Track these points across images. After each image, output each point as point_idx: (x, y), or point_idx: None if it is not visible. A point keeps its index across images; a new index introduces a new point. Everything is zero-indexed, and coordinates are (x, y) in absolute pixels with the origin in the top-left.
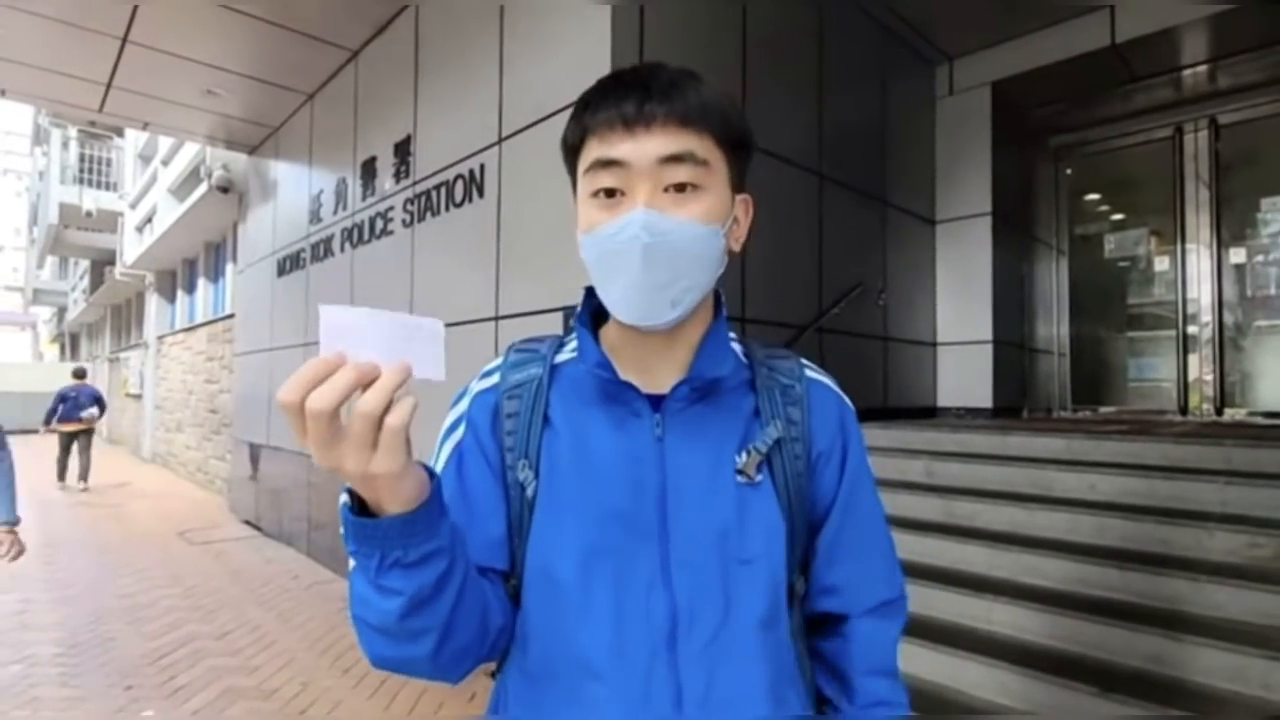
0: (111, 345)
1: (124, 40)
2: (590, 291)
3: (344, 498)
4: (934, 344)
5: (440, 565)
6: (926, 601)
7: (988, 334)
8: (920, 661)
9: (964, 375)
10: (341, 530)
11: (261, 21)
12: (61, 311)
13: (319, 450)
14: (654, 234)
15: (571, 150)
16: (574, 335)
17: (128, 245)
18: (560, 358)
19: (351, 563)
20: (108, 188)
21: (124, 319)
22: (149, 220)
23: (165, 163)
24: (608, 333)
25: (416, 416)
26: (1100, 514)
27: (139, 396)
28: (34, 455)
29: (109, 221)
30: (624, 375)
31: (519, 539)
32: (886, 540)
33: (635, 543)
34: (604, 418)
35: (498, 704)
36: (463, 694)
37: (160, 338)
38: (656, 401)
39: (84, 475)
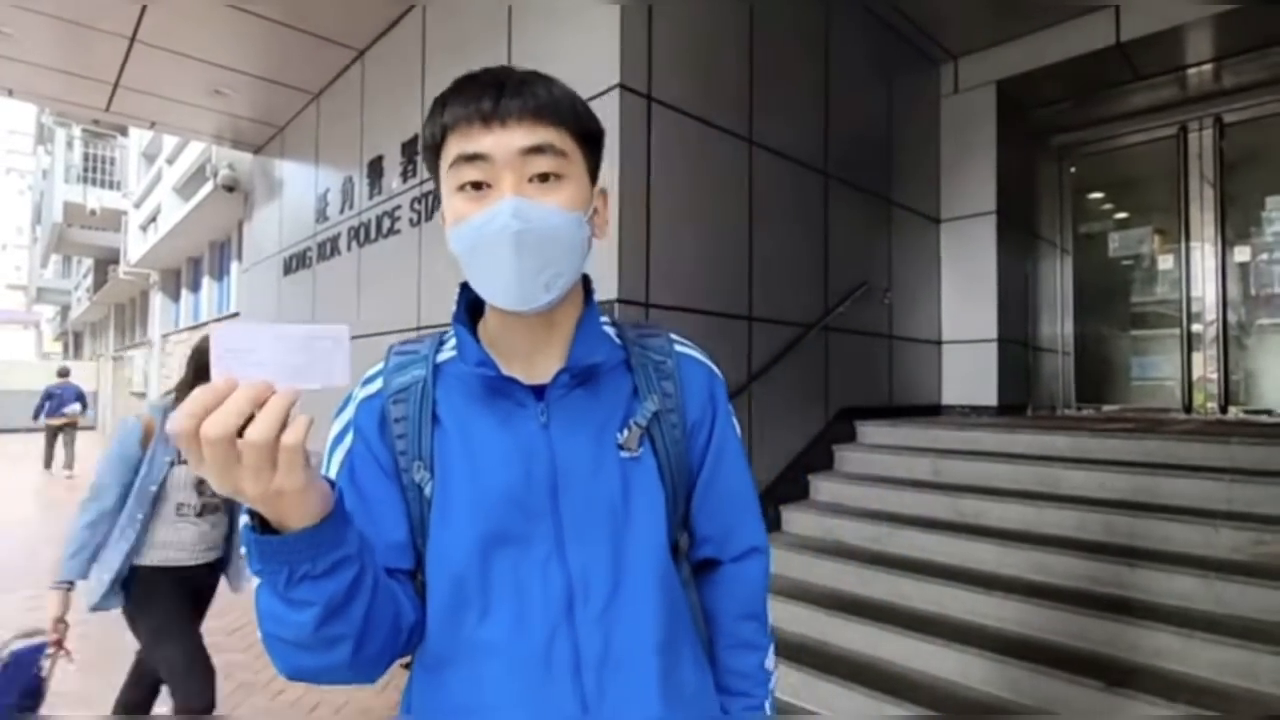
0: (115, 344)
1: (132, 40)
2: (464, 287)
3: (244, 519)
4: (939, 342)
5: (350, 572)
6: (936, 599)
7: (992, 332)
8: (931, 658)
9: (969, 373)
10: (244, 551)
11: (269, 21)
12: (65, 310)
13: (217, 476)
14: (524, 220)
15: (432, 150)
16: (453, 332)
17: (132, 244)
18: (442, 356)
19: (255, 581)
20: (112, 186)
21: (128, 317)
22: (153, 219)
23: (170, 161)
24: (487, 327)
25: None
26: (1108, 511)
27: (143, 395)
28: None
29: (113, 220)
30: (506, 368)
31: (421, 537)
32: (752, 497)
33: (530, 526)
34: (490, 413)
35: (407, 697)
36: None
37: (165, 336)
38: (539, 391)
39: (69, 464)
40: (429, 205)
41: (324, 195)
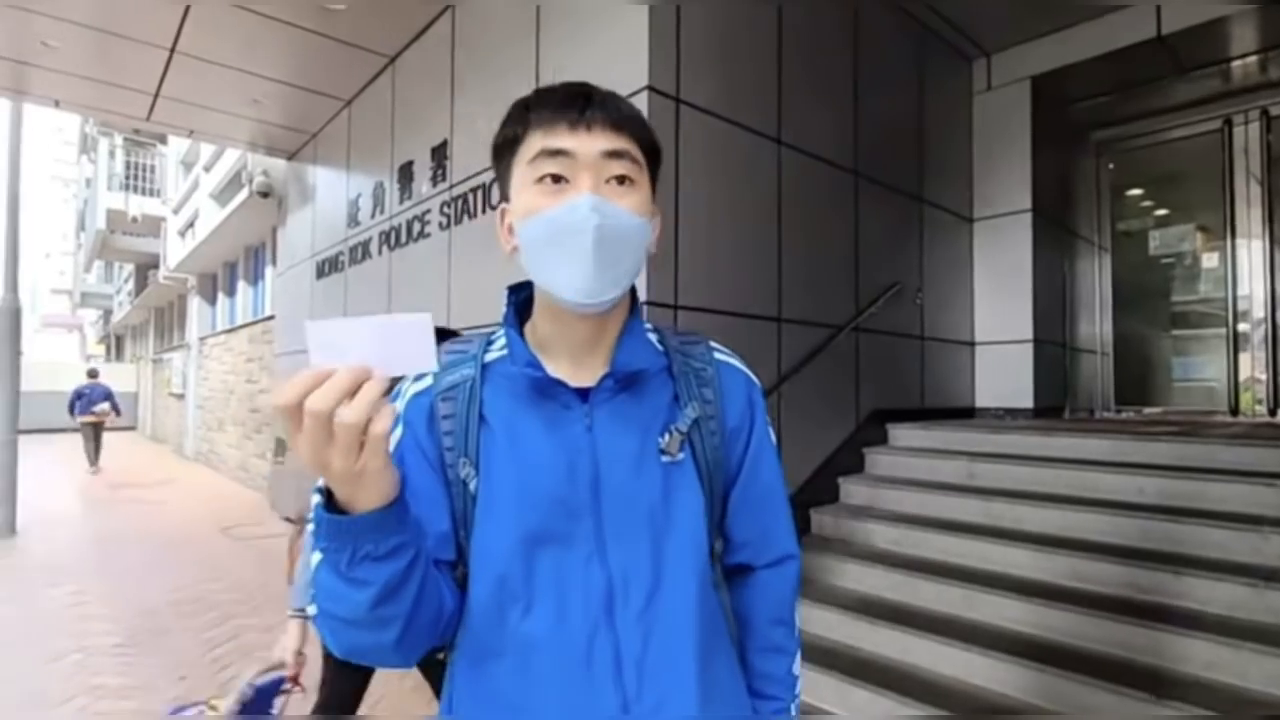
0: (155, 346)
1: (172, 51)
2: (512, 290)
3: (317, 497)
4: (972, 343)
5: (407, 556)
6: (970, 604)
7: (1028, 333)
8: (964, 664)
9: (1003, 375)
10: (311, 528)
11: (303, 30)
12: (107, 314)
13: (312, 451)
14: (604, 215)
15: (508, 145)
16: (501, 333)
17: (170, 249)
18: (489, 356)
19: (316, 558)
20: (152, 194)
21: (167, 321)
22: (191, 225)
23: (207, 169)
24: (535, 328)
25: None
26: (1149, 517)
27: (181, 396)
28: (76, 449)
29: (152, 226)
30: (552, 371)
31: (464, 531)
32: (785, 502)
33: (572, 525)
34: (537, 413)
35: (450, 689)
36: None
37: (202, 339)
38: (584, 394)
39: (94, 460)
40: (458, 209)
41: (355, 200)
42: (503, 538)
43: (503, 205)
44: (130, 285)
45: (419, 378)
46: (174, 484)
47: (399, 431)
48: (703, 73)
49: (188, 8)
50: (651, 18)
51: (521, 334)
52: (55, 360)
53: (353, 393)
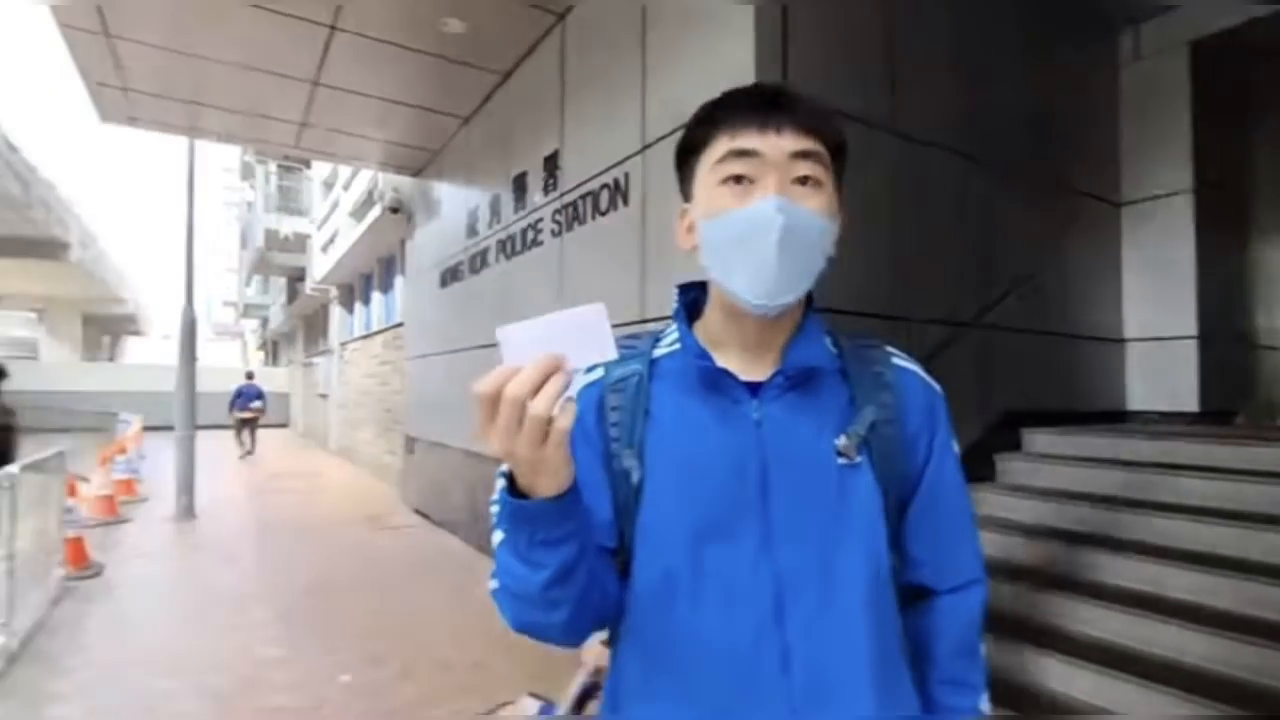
0: (304, 351)
1: (315, 84)
2: (682, 289)
3: (501, 482)
4: (1121, 340)
5: (579, 542)
6: (1125, 630)
7: (1191, 328)
8: (1122, 697)
9: (1160, 375)
10: (495, 509)
11: (424, 54)
12: (265, 322)
13: (502, 436)
14: (790, 216)
15: (693, 149)
16: (671, 330)
17: (315, 263)
18: (659, 352)
19: (498, 537)
20: (299, 213)
21: (313, 328)
22: (332, 240)
23: (345, 188)
24: (706, 326)
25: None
26: None
27: (326, 397)
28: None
29: (300, 243)
30: (722, 365)
31: (626, 520)
32: (970, 523)
33: (739, 523)
34: (704, 406)
35: (615, 675)
36: None
37: (343, 344)
38: (755, 389)
39: (251, 450)
40: (568, 216)
41: (474, 211)
42: (668, 530)
43: (684, 206)
44: (283, 297)
45: (590, 369)
46: (321, 476)
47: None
48: (811, 66)
49: (327, 44)
50: (757, 17)
51: (691, 330)
52: (222, 366)
53: (539, 388)
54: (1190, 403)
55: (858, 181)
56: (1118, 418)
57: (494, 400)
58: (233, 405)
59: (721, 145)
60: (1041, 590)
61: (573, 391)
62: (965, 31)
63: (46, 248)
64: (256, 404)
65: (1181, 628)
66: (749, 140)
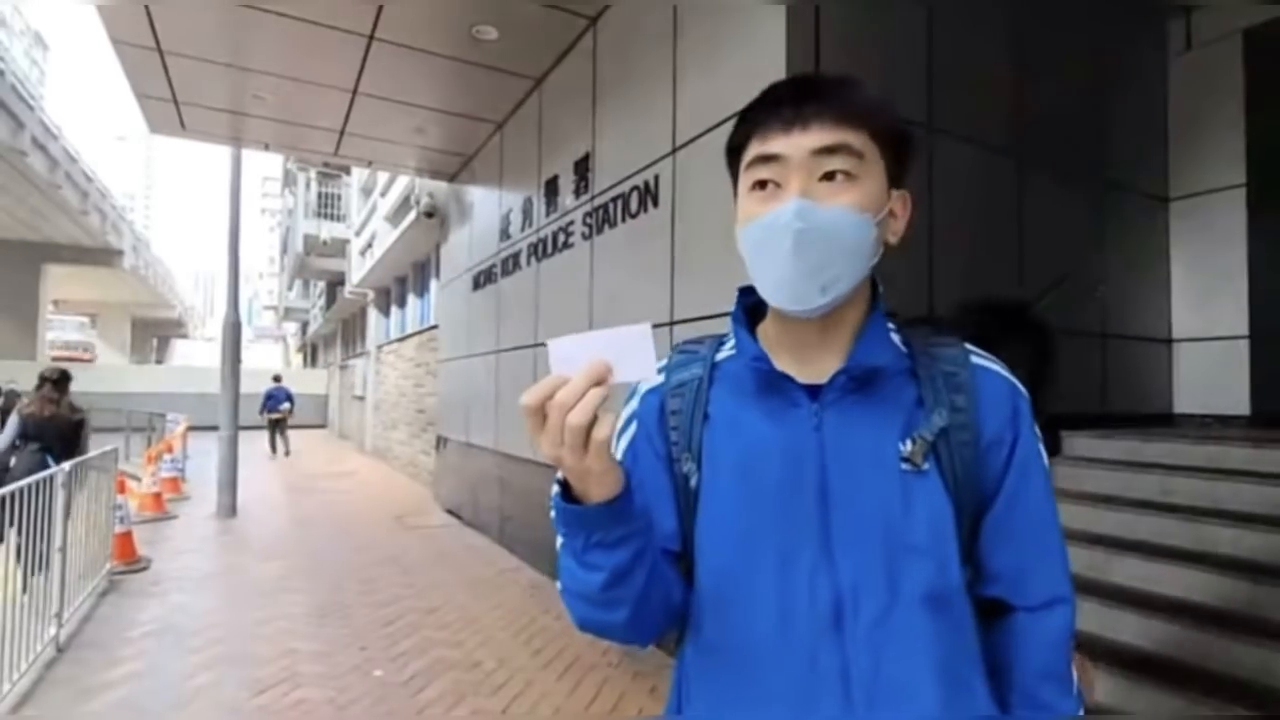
0: (342, 354)
1: (354, 92)
2: (742, 292)
3: (556, 488)
4: (1168, 340)
5: (634, 546)
6: (1170, 639)
7: (1243, 327)
8: (1165, 708)
9: (1210, 377)
10: (553, 514)
11: (459, 61)
12: (304, 326)
13: (548, 444)
14: (806, 220)
15: (735, 151)
16: (733, 333)
17: (353, 267)
18: (720, 356)
19: (560, 541)
20: (338, 219)
21: (351, 331)
22: (369, 245)
23: (383, 194)
24: (765, 329)
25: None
26: None
27: (362, 398)
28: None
29: (339, 248)
30: (781, 368)
31: (688, 524)
32: (1057, 536)
33: (796, 528)
34: (762, 409)
35: (680, 674)
36: (643, 685)
37: (379, 347)
38: (815, 392)
39: (286, 451)
40: (599, 219)
41: (507, 215)
42: (724, 534)
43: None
44: (322, 300)
45: None
46: (356, 476)
47: (633, 428)
48: (844, 64)
49: (366, 53)
50: (789, 18)
51: (752, 334)
52: (264, 368)
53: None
54: (1242, 406)
55: None
56: (1164, 421)
57: (539, 410)
58: (263, 408)
59: (752, 150)
60: (1083, 598)
61: (635, 398)
62: (1006, 24)
63: (101, 255)
64: (285, 406)
65: (1234, 639)
66: (773, 143)
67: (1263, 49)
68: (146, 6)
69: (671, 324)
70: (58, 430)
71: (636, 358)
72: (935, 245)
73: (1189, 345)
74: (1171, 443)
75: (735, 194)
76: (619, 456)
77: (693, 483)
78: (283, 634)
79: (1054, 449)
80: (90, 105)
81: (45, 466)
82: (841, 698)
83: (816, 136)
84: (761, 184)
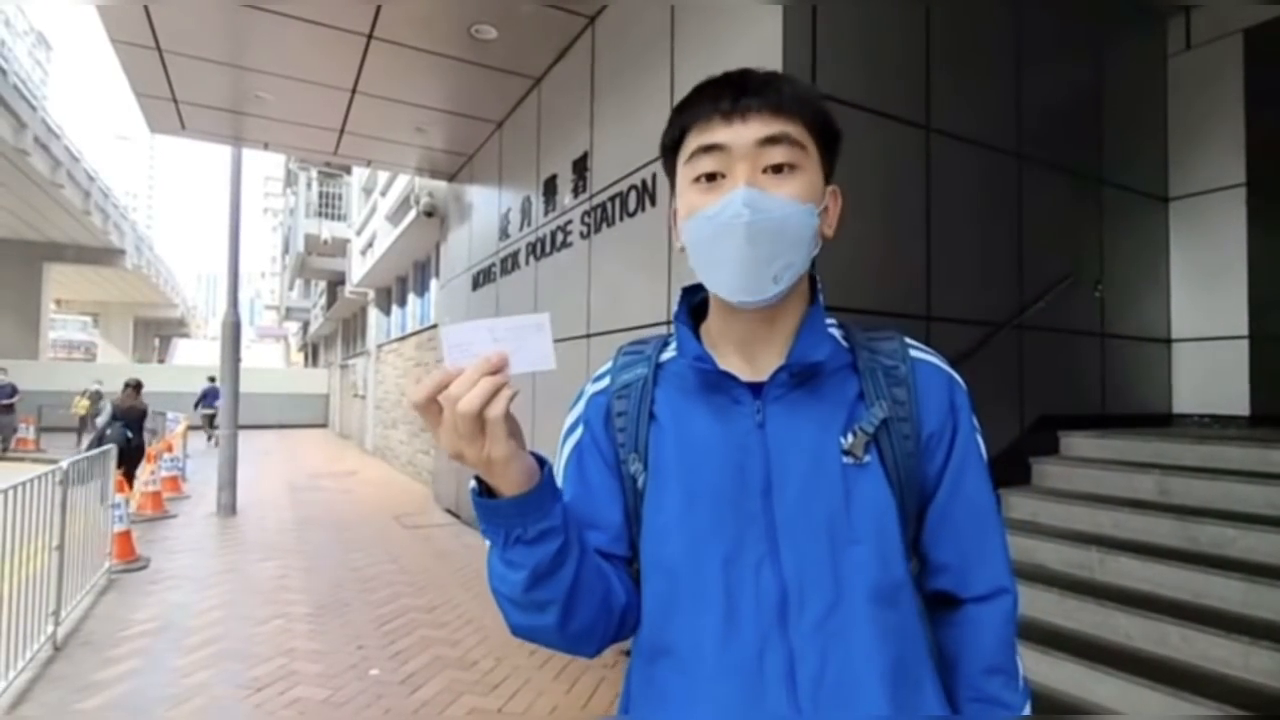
0: (342, 353)
1: (353, 91)
2: (686, 291)
3: (472, 483)
4: (1168, 340)
5: (555, 542)
6: (1163, 638)
7: (1242, 327)
8: (1156, 707)
9: (1209, 377)
10: (474, 512)
11: (459, 61)
12: (306, 325)
13: (445, 439)
14: (756, 210)
15: (670, 148)
16: (674, 333)
17: (354, 267)
18: (664, 356)
19: (488, 542)
20: (339, 219)
21: (351, 331)
22: (370, 244)
23: (383, 193)
24: (709, 327)
25: (548, 411)
26: None
27: (362, 397)
28: (281, 443)
29: (340, 247)
30: (725, 366)
31: (635, 527)
32: (996, 526)
33: (741, 526)
34: (705, 408)
35: (627, 678)
36: None
37: (379, 346)
38: (758, 389)
39: (217, 442)
40: (597, 218)
41: (506, 214)
42: (669, 534)
43: (673, 205)
44: (323, 300)
45: (598, 378)
46: (356, 475)
47: (579, 431)
48: (842, 63)
49: (365, 53)
50: (785, 18)
51: (695, 332)
52: (265, 367)
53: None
54: (1241, 406)
55: (888, 179)
56: (1163, 421)
57: (432, 404)
58: (198, 404)
59: (691, 142)
60: (1075, 597)
61: (582, 401)
62: (1004, 22)
63: (103, 254)
64: (218, 404)
65: (1224, 638)
66: (714, 134)
67: (1263, 49)
68: (146, 6)
69: (669, 322)
70: (134, 415)
71: (533, 348)
72: (933, 245)
73: (1188, 345)
74: (1169, 442)
75: (672, 191)
76: (563, 462)
77: (639, 483)
78: (280, 633)
79: (1051, 449)
80: (92, 105)
81: (126, 438)
82: (788, 699)
83: (758, 127)
84: (706, 177)
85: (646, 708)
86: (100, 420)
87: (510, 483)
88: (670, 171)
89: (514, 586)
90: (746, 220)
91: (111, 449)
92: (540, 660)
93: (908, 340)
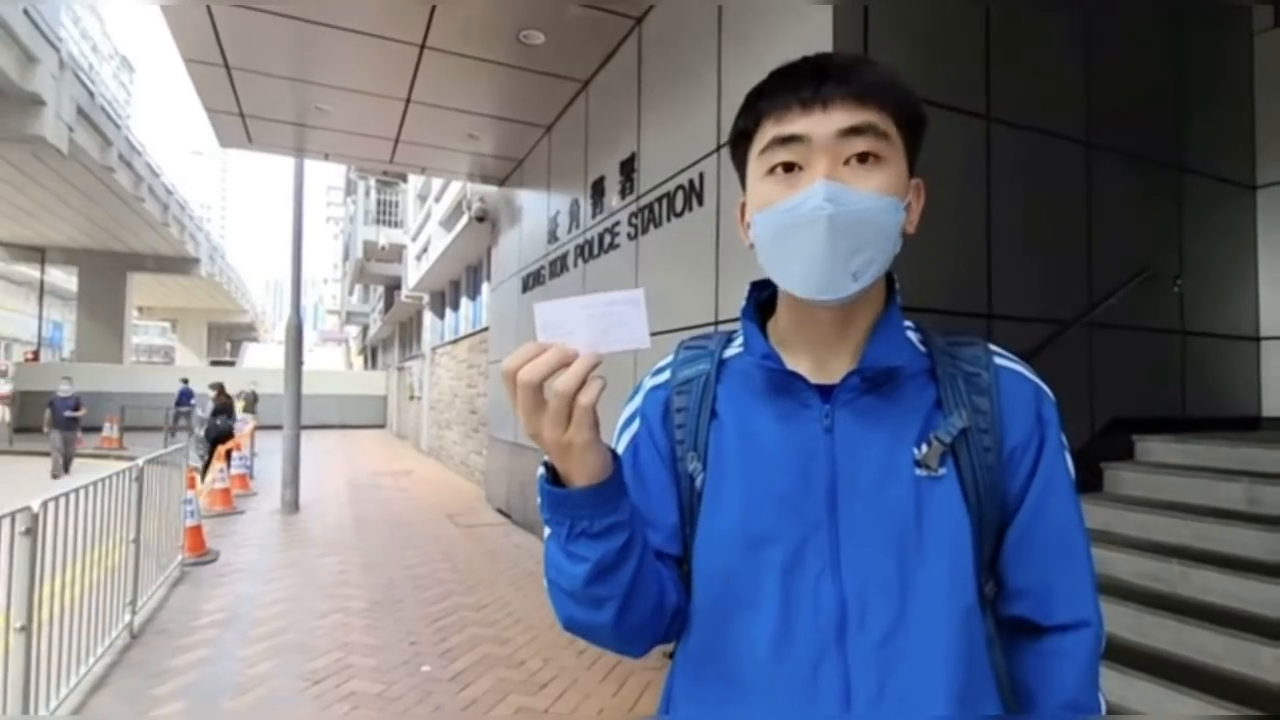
0: (399, 355)
1: (407, 101)
2: (754, 286)
3: (541, 469)
4: (1256, 338)
5: (620, 538)
6: (1253, 659)
7: None
8: None
9: None
10: (539, 500)
11: (508, 67)
12: (365, 329)
13: (526, 418)
14: (838, 204)
15: (743, 137)
16: (740, 329)
17: (410, 272)
18: (728, 353)
19: (547, 530)
20: (395, 225)
21: (408, 334)
22: (425, 250)
23: (437, 200)
24: (776, 325)
25: (604, 396)
26: None
27: (418, 399)
28: (340, 443)
29: (396, 253)
30: (793, 366)
31: (690, 527)
32: (1084, 552)
33: (803, 533)
34: (770, 409)
35: (669, 681)
36: None
37: (433, 349)
38: (827, 392)
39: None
40: (644, 219)
41: (554, 217)
42: (727, 536)
43: (742, 199)
44: (381, 304)
45: (658, 371)
46: (412, 475)
47: (635, 424)
48: (896, 55)
49: (418, 61)
50: (836, 16)
51: (762, 329)
52: (328, 370)
53: (564, 366)
54: None
55: (947, 172)
56: (1251, 425)
57: (514, 378)
58: (177, 403)
59: (767, 132)
60: (1153, 613)
61: (639, 395)
62: (1071, 6)
63: (180, 263)
64: (194, 402)
65: None
66: (793, 124)
67: None
68: (215, 28)
69: (716, 323)
70: (229, 408)
71: (627, 325)
72: (994, 239)
73: (1279, 343)
74: (1259, 448)
75: (743, 183)
76: (619, 453)
77: (697, 483)
78: (339, 627)
79: (1126, 454)
80: (171, 123)
81: (229, 425)
82: (841, 716)
83: (840, 117)
84: (783, 167)
85: (689, 710)
86: (204, 413)
87: (585, 473)
88: (740, 163)
89: (573, 580)
90: (829, 214)
91: (189, 451)
92: (588, 661)
93: (992, 347)
